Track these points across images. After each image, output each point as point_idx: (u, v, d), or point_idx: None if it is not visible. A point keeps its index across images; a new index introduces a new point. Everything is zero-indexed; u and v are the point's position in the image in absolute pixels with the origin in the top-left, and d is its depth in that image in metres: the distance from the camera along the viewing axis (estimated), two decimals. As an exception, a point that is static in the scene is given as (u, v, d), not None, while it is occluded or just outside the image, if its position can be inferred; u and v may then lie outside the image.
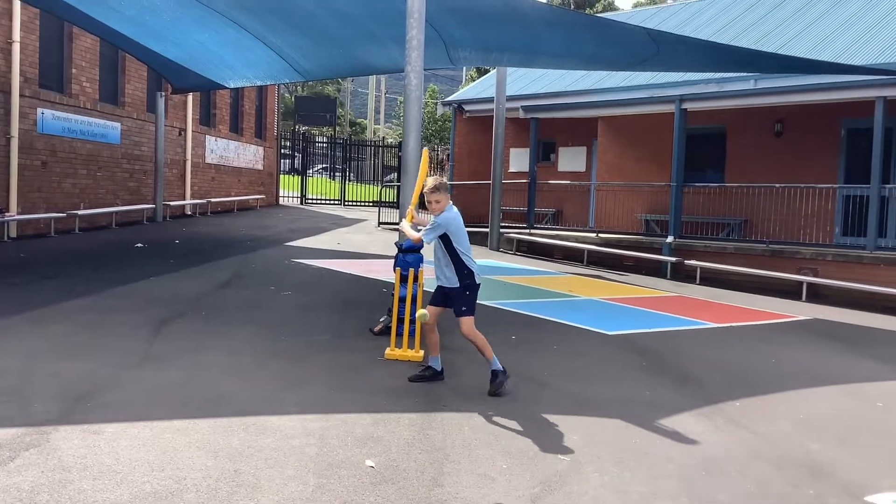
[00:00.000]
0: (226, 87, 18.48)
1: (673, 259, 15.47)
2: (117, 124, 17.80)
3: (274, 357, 6.97)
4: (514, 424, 5.50)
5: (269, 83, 19.83)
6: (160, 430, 4.92)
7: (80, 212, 16.06)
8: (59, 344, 6.95)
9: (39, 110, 15.11)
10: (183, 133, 21.01)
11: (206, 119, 22.79)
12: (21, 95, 14.47)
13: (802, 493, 4.64)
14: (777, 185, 15.39)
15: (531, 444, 5.14)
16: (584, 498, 4.34)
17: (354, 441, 4.93)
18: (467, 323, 6.21)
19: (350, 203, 31.06)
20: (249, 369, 6.51)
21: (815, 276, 13.73)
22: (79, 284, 9.90)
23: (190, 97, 20.86)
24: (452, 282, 6.23)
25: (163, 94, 18.54)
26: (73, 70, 16.29)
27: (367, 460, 4.61)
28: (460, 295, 6.23)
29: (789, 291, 13.80)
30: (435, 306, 6.36)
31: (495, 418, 5.60)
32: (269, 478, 4.29)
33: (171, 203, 20.03)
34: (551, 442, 5.20)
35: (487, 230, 18.46)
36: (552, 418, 5.72)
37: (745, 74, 15.64)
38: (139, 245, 14.50)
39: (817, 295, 13.53)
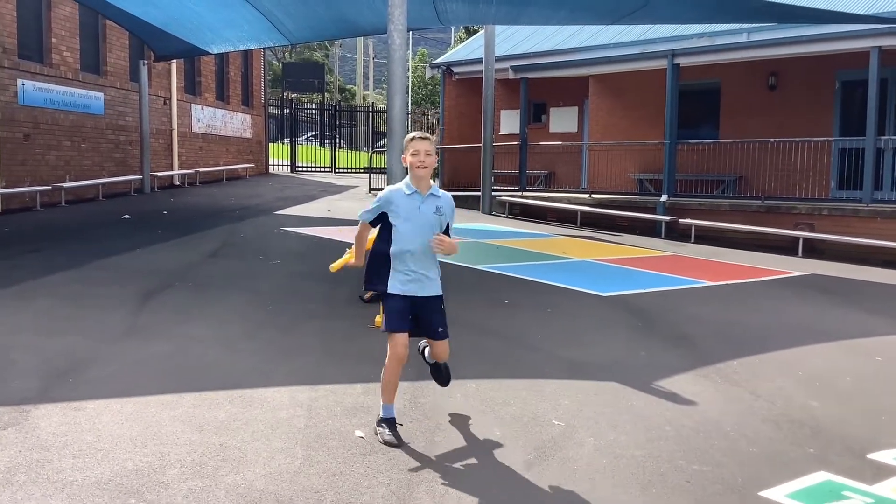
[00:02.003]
0: (209, 53, 18.13)
1: (667, 218, 15.32)
2: (100, 94, 17.48)
3: (262, 327, 6.83)
4: (507, 391, 5.38)
5: (253, 47, 19.45)
6: (144, 405, 4.79)
7: (65, 184, 15.82)
8: (42, 319, 6.80)
9: (20, 81, 14.79)
10: (168, 102, 20.67)
11: (192, 87, 22.43)
12: (0, 66, 14.15)
13: (803, 452, 4.54)
14: (771, 140, 15.20)
15: (525, 410, 5.02)
16: (579, 462, 4.23)
17: (343, 411, 4.81)
18: (447, 347, 4.64)
19: (341, 170, 30.81)
20: (237, 340, 6.37)
21: (812, 231, 13.60)
22: (63, 257, 9.72)
23: (174, 65, 20.50)
24: (434, 286, 4.49)
25: (146, 62, 18.19)
26: (53, 40, 15.93)
27: (357, 431, 4.49)
28: (439, 305, 4.53)
29: (785, 247, 13.67)
30: (403, 332, 4.37)
31: (488, 385, 5.48)
32: (255, 451, 4.17)
33: (159, 174, 19.77)
34: (545, 407, 5.08)
35: (479, 194, 18.27)
36: (546, 383, 5.60)
37: (737, 27, 15.37)
38: (126, 217, 14.30)
39: (814, 250, 13.41)
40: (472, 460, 4.20)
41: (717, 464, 4.31)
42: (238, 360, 5.81)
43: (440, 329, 4.52)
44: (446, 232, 4.43)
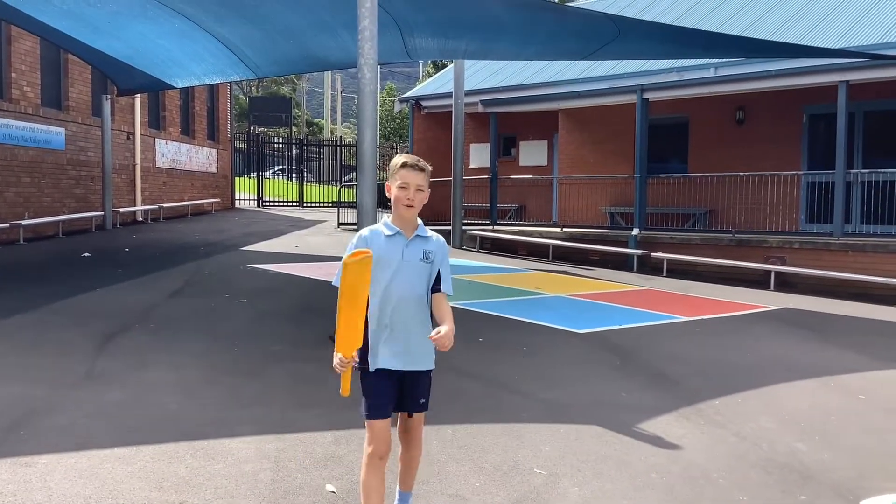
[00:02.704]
0: (174, 87, 17.84)
1: (639, 252, 15.25)
2: (61, 129, 17.10)
3: (226, 372, 6.53)
4: (485, 437, 5.14)
5: (218, 81, 19.20)
6: (99, 460, 4.48)
7: (24, 221, 15.37)
8: (-8, 366, 6.43)
9: (-23, 116, 14.40)
10: (131, 137, 20.31)
11: (156, 122, 22.10)
12: (-44, 101, 13.77)
13: (794, 500, 4.36)
14: (741, 174, 15.26)
15: (505, 457, 4.78)
16: (564, 517, 4.00)
17: (313, 463, 4.54)
18: (422, 423, 3.70)
19: (309, 204, 30.52)
20: (199, 387, 6.06)
21: (783, 264, 13.59)
22: (17, 300, 9.31)
23: (137, 99, 20.18)
24: (425, 357, 3.55)
25: (108, 96, 17.85)
26: (13, 74, 15.58)
27: (328, 485, 4.23)
28: (428, 379, 3.62)
29: (757, 281, 13.64)
30: (385, 418, 3.49)
31: (465, 431, 5.24)
32: (218, 511, 3.88)
33: (121, 210, 19.34)
34: (526, 454, 4.85)
35: (449, 228, 18.10)
36: (525, 428, 5.37)
37: (705, 62, 15.49)
38: (86, 254, 13.88)
39: (785, 283, 13.39)
40: (451, 516, 3.95)
41: (707, 515, 4.10)
42: (200, 409, 5.51)
43: (422, 400, 3.57)
44: (437, 283, 3.53)
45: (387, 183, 3.54)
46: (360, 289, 3.28)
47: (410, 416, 3.61)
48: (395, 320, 3.47)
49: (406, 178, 3.45)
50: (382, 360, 3.47)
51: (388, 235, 3.50)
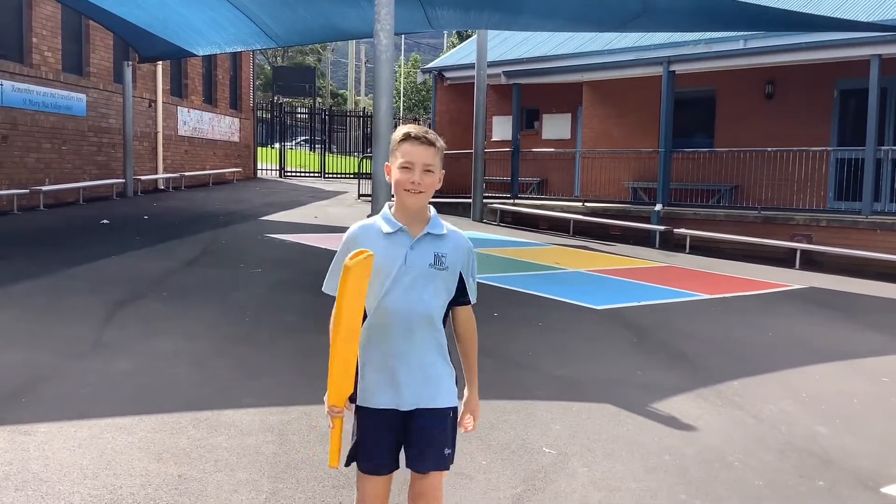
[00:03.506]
0: (195, 55, 17.75)
1: (662, 228, 15.00)
2: (82, 96, 17.07)
3: (237, 342, 6.45)
4: (495, 413, 5.01)
5: (240, 49, 19.08)
6: (100, 429, 4.41)
7: (44, 188, 15.39)
8: (1, 331, 6.39)
9: (-2, 81, 14.39)
10: (153, 104, 20.26)
11: (178, 90, 22.03)
12: (-23, 66, 13.76)
13: (812, 485, 4.20)
14: (768, 149, 14.92)
15: (514, 435, 4.66)
16: (572, 497, 3.89)
17: (317, 437, 4.44)
18: (441, 484, 2.71)
19: (330, 175, 30.42)
20: (208, 357, 5.99)
21: (809, 242, 13.30)
22: (34, 265, 9.31)
23: (160, 67, 20.10)
24: (441, 389, 2.60)
25: (130, 63, 17.78)
26: (34, 39, 15.53)
27: (330, 460, 4.12)
28: (446, 421, 2.62)
29: (782, 259, 13.37)
30: (382, 475, 2.64)
31: (474, 407, 5.11)
32: (217, 483, 3.80)
33: (143, 177, 19.35)
34: (536, 433, 4.72)
35: (470, 201, 17.92)
36: (537, 405, 5.24)
37: (734, 34, 15.11)
38: (105, 221, 13.88)
39: (811, 262, 13.11)
40: (456, 494, 3.83)
41: (720, 498, 3.96)
42: (207, 379, 5.43)
43: (446, 450, 2.61)
44: (459, 296, 2.63)
45: (386, 164, 2.66)
46: (358, 307, 2.42)
47: (423, 474, 2.62)
48: (392, 348, 2.55)
49: (410, 154, 2.53)
50: (377, 394, 2.55)
51: (388, 233, 2.55)
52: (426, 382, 2.57)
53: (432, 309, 2.57)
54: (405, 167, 2.55)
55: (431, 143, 2.56)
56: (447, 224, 2.64)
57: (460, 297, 2.65)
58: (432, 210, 2.65)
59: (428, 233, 2.57)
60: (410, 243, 2.55)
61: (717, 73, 15.92)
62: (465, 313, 2.69)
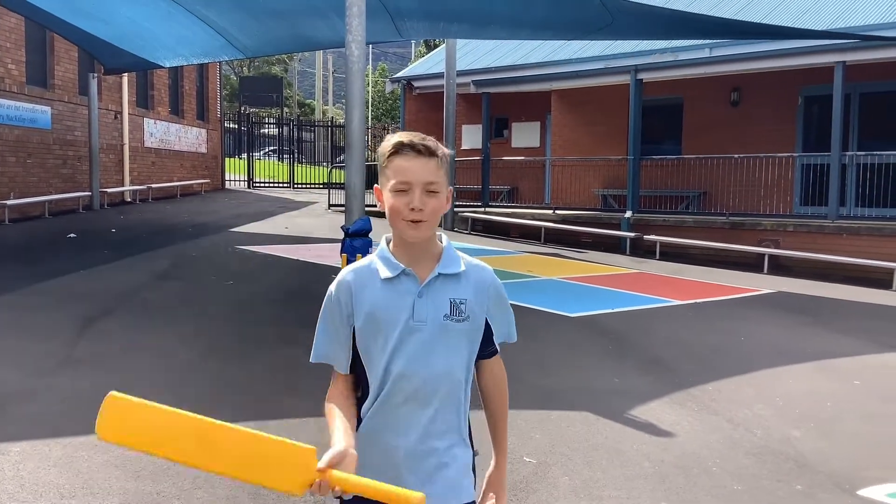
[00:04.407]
0: (161, 67, 17.58)
1: (632, 234, 15.12)
2: (47, 108, 16.83)
3: (209, 356, 6.38)
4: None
5: (207, 61, 18.98)
6: (75, 448, 4.33)
7: (9, 202, 15.12)
8: (-31, 349, 6.27)
9: (-40, 94, 14.14)
10: (119, 116, 20.03)
11: (144, 101, 21.80)
12: (-62, 79, 13.51)
13: (791, 489, 4.24)
14: (735, 156, 15.12)
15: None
16: (554, 507, 3.88)
17: (296, 451, 4.39)
18: None
19: (300, 186, 30.27)
20: (181, 371, 5.92)
21: (777, 247, 13.48)
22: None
23: (125, 78, 19.88)
24: (460, 480, 2.03)
25: (95, 75, 17.56)
26: (-3, 51, 15.30)
27: (310, 474, 4.09)
28: None
29: (751, 264, 13.53)
30: None
31: (453, 417, 5.10)
32: (196, 500, 3.77)
33: (109, 190, 19.10)
34: (516, 442, 4.72)
35: (441, 209, 17.89)
36: (516, 415, 5.23)
37: (700, 43, 15.32)
38: (72, 235, 13.68)
39: (779, 266, 13.29)
40: (437, 508, 3.81)
41: (702, 505, 3.99)
42: (181, 394, 5.36)
43: None
44: (485, 349, 2.05)
45: (375, 186, 2.02)
46: None
47: None
48: (396, 440, 1.96)
49: (405, 172, 1.91)
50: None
51: (388, 278, 1.96)
52: (440, 482, 1.97)
53: (453, 374, 1.97)
54: (400, 190, 1.91)
55: (432, 153, 1.93)
56: (465, 257, 2.02)
57: (487, 346, 2.06)
58: (444, 240, 2.03)
59: (440, 273, 1.96)
60: (418, 290, 1.94)
61: (684, 81, 16.12)
62: (493, 366, 2.12)
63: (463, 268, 1.99)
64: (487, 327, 2.04)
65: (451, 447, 2.01)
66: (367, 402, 2.00)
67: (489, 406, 2.16)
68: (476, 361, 2.06)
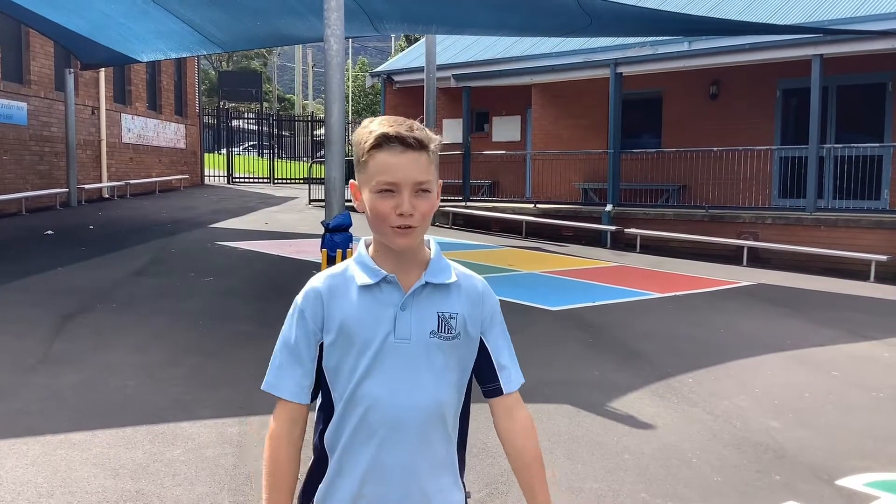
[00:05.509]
0: (138, 62, 17.41)
1: (612, 228, 15.18)
2: (23, 104, 16.63)
3: (190, 352, 6.34)
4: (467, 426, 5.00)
5: (185, 55, 18.78)
6: (53, 446, 4.30)
7: (-16, 199, 14.98)
8: (-56, 348, 6.20)
9: (-67, 90, 13.94)
10: (96, 112, 19.83)
11: (121, 96, 21.59)
12: (-90, 74, 13.32)
13: (770, 480, 4.28)
14: (714, 149, 15.20)
15: (474, 439, 4.64)
16: (535, 500, 3.88)
17: (277, 447, 4.38)
18: None
19: (280, 181, 30.11)
20: (160, 368, 5.87)
21: (756, 239, 13.58)
22: (-24, 278, 9.04)
23: (102, 74, 19.67)
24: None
25: (72, 70, 17.37)
26: (-29, 46, 15.10)
27: (291, 470, 4.07)
28: None
29: (730, 256, 13.63)
30: None
31: (435, 411, 5.10)
32: (175, 498, 3.74)
33: (87, 186, 18.91)
34: (496, 436, 4.71)
35: (422, 204, 17.87)
36: (497, 408, 5.25)
37: (679, 36, 15.36)
38: (49, 232, 13.54)
39: (758, 259, 13.38)
40: (419, 502, 3.81)
41: (681, 497, 4.01)
42: (161, 391, 5.33)
43: None
44: (489, 379, 1.79)
45: (351, 182, 1.72)
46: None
47: None
48: (378, 461, 1.66)
49: (392, 170, 1.60)
50: None
51: (366, 285, 1.67)
52: (431, 491, 1.67)
53: (441, 401, 1.68)
54: (386, 190, 1.61)
55: (423, 146, 1.61)
56: (455, 265, 1.75)
57: (491, 379, 1.77)
58: (432, 245, 1.74)
59: (427, 283, 1.68)
60: (401, 300, 1.66)
61: (663, 75, 16.18)
62: (514, 411, 1.78)
63: (454, 278, 1.71)
64: (484, 351, 1.75)
65: (442, 489, 1.69)
66: (328, 432, 1.69)
67: (519, 467, 1.84)
68: (492, 402, 1.79)
